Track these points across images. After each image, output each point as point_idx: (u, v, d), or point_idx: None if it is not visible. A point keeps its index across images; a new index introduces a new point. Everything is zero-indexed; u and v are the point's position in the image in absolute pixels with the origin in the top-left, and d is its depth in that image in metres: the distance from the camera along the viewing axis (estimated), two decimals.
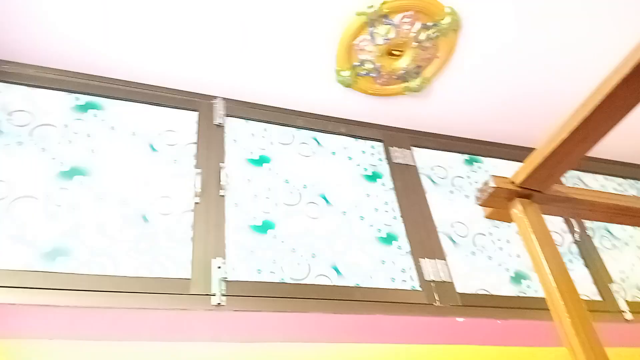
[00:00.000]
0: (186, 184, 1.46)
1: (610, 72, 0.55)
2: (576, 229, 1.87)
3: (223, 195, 1.47)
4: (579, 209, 0.69)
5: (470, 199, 1.82)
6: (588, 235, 1.88)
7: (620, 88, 0.54)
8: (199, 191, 1.45)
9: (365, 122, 1.87)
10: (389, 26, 1.55)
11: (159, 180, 1.44)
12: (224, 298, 1.28)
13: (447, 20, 1.56)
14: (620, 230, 1.97)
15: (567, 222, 1.89)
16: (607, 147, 2.20)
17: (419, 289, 1.50)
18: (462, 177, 1.87)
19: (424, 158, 1.87)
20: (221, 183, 1.49)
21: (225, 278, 1.32)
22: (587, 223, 1.93)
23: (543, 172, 0.62)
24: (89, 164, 1.40)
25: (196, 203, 1.43)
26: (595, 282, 1.74)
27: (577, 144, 0.60)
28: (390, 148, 1.84)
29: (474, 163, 1.95)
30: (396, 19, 1.54)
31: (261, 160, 1.62)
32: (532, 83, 1.81)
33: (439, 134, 1.96)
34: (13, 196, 1.27)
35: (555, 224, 1.86)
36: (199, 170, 1.49)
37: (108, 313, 1.19)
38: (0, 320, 1.14)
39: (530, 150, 1.84)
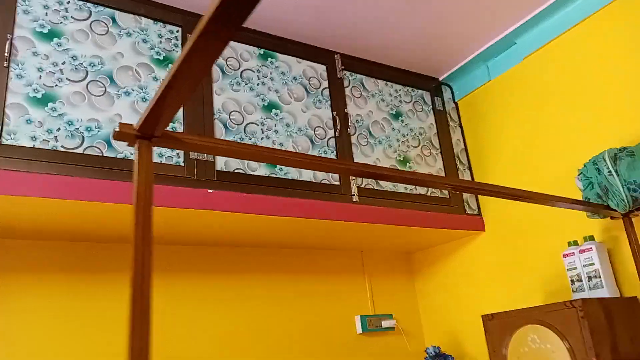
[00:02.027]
0: None
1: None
2: (339, 126, 2.28)
3: (7, 67, 1.63)
4: (194, 147, 1.02)
5: (254, 91, 2.12)
6: (348, 133, 2.31)
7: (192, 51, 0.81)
8: None
9: (166, 5, 2.02)
10: None
11: None
12: None
13: None
14: (380, 131, 2.43)
15: (334, 120, 2.29)
16: (391, 54, 2.57)
17: (182, 164, 1.84)
18: (252, 71, 2.15)
19: None
20: (6, 55, 1.63)
21: None
22: (353, 121, 2.35)
23: (153, 120, 0.92)
24: None
25: None
26: None
27: (175, 95, 0.89)
28: (189, 35, 2.03)
29: (269, 58, 2.22)
30: None
31: (51, 35, 1.75)
32: None
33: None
34: None
35: (323, 119, 2.26)
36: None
37: None
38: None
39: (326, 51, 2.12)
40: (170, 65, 1.95)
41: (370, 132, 2.40)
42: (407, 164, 2.46)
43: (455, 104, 2.82)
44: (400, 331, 2.69)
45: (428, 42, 2.50)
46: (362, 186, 2.24)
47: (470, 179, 2.66)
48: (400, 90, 2.62)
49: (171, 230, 1.99)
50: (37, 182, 1.56)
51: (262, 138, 2.07)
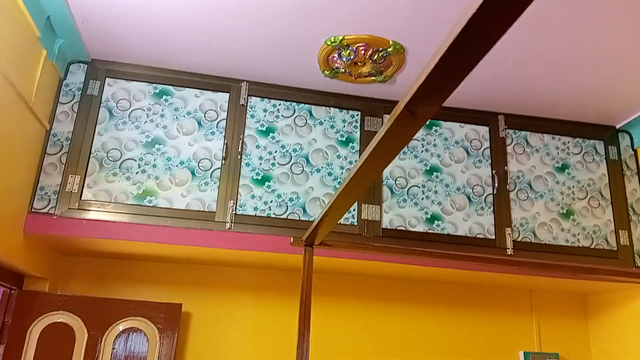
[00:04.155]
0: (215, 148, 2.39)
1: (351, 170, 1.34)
2: (497, 183, 2.56)
3: (240, 159, 2.39)
4: (343, 251, 1.53)
5: (418, 158, 2.55)
6: (507, 189, 2.56)
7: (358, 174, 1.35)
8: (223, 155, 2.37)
9: (349, 95, 2.58)
10: (349, 50, 2.21)
11: None
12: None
13: (392, 47, 2.17)
14: (542, 185, 2.61)
15: (492, 177, 2.57)
16: (559, 108, 2.70)
17: (355, 224, 2.38)
18: (417, 140, 2.58)
19: None
20: (239, 150, 2.39)
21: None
22: (514, 177, 2.59)
23: (312, 237, 1.47)
24: None
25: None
26: (495, 226, 2.49)
27: (328, 220, 1.42)
28: (367, 117, 2.57)
29: (433, 127, 2.62)
30: (354, 46, 2.19)
31: (268, 131, 2.47)
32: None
33: None
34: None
35: (482, 177, 2.56)
36: (223, 141, 2.40)
37: None
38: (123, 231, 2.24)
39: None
40: (351, 145, 2.51)
41: (531, 187, 2.60)
42: (571, 216, 2.59)
43: (635, 151, 2.78)
44: None
45: (603, 91, 2.50)
46: (519, 239, 2.49)
47: None
48: (568, 142, 2.74)
49: (351, 268, 2.56)
50: (257, 240, 2.28)
51: (422, 199, 2.49)
